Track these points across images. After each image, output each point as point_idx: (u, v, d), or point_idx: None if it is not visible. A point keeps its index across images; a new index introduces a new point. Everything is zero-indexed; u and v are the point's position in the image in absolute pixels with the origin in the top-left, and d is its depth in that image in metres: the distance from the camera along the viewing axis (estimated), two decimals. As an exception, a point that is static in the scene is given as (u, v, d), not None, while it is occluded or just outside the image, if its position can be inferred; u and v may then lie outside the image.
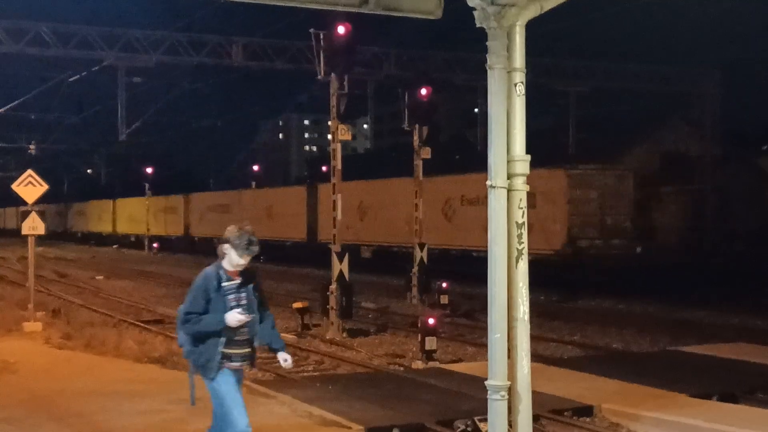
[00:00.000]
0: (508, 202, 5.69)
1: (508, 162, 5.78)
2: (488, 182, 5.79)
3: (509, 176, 5.79)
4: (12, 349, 14.55)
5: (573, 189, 26.68)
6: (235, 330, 6.48)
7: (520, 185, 5.71)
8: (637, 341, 17.24)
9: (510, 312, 5.81)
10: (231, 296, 6.50)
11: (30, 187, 18.06)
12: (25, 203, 18.38)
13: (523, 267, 5.76)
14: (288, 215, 42.26)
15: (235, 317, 6.40)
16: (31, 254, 18.40)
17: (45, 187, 18.21)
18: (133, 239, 62.12)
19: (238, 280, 6.56)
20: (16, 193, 18.52)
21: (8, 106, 43.71)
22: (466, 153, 50.69)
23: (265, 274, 34.47)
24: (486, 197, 5.69)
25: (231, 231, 6.53)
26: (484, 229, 5.88)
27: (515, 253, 5.76)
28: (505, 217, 5.78)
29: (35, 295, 18.69)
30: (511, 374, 5.64)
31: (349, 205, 29.65)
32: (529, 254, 5.46)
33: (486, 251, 5.81)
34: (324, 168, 52.46)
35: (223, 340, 6.46)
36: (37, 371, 12.66)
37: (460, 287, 25.76)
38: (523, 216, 5.69)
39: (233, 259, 6.47)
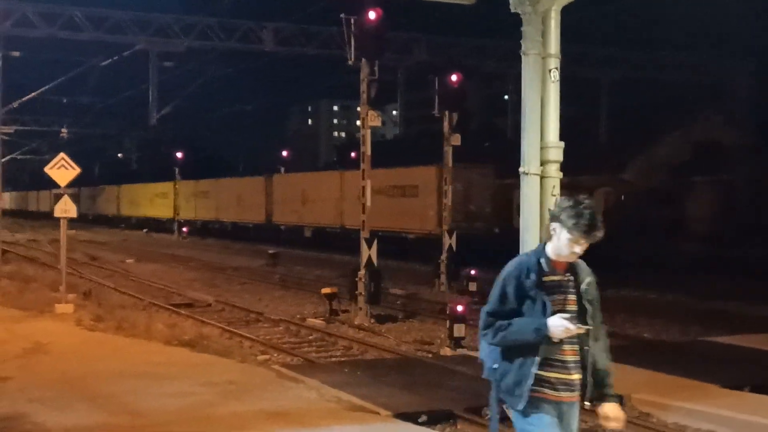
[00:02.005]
0: (541, 188, 5.64)
1: (542, 149, 5.72)
2: (521, 169, 5.75)
3: (542, 163, 5.73)
4: (44, 331, 14.72)
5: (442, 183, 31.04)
6: (557, 344, 4.49)
7: (554, 172, 5.66)
8: (667, 331, 17.12)
9: (541, 300, 5.75)
10: (554, 296, 4.54)
11: (62, 170, 18.22)
12: (57, 186, 18.56)
13: (554, 254, 5.68)
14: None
15: (560, 325, 4.40)
16: (63, 237, 18.57)
17: (77, 170, 18.37)
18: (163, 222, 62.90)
19: (565, 276, 4.59)
20: (47, 176, 18.73)
21: (41, 90, 44.10)
22: (495, 140, 50.45)
23: (297, 259, 34.84)
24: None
25: (563, 204, 4.57)
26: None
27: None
28: (538, 204, 5.72)
29: (67, 278, 18.88)
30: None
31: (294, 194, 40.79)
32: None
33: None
34: (353, 154, 52.39)
35: (538, 358, 4.48)
36: (68, 352, 12.80)
37: (490, 274, 25.67)
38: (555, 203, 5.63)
39: (562, 245, 4.51)
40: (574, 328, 4.40)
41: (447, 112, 24.60)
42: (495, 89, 69.68)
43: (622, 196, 33.07)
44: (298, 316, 18.92)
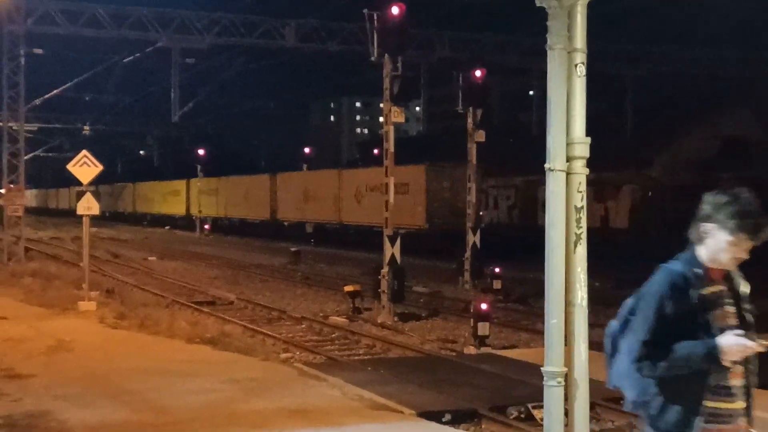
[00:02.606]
0: (567, 185, 5.61)
1: (568, 145, 5.70)
2: (547, 165, 5.73)
3: (568, 159, 5.71)
4: (68, 328, 14.85)
5: (430, 181, 35.63)
6: (725, 370, 3.76)
7: (580, 168, 5.63)
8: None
9: (567, 297, 5.74)
10: (715, 311, 3.81)
11: (85, 167, 18.34)
12: (79, 183, 18.69)
13: (581, 252, 5.69)
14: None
15: (737, 343, 3.67)
16: (86, 234, 18.70)
17: (99, 167, 18.48)
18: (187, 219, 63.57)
19: (722, 286, 3.89)
20: (69, 174, 18.86)
21: (63, 87, 44.41)
22: (519, 136, 50.30)
23: (320, 257, 34.93)
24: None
25: (718, 200, 3.87)
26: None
27: (573, 238, 5.69)
28: (564, 201, 5.70)
29: (90, 275, 19.02)
30: (568, 361, 5.58)
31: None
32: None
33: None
34: (376, 151, 52.46)
35: (708, 387, 3.76)
36: (91, 350, 12.91)
37: (513, 272, 25.65)
38: (582, 200, 5.62)
39: (721, 249, 3.82)
40: (755, 346, 3.69)
41: (471, 109, 24.55)
42: (519, 85, 69.41)
43: (649, 193, 32.89)
44: (320, 314, 18.97)
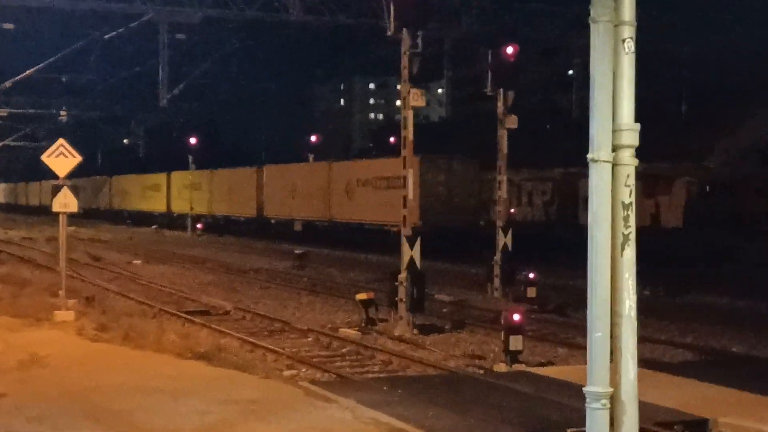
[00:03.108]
0: (613, 178, 5.61)
1: (614, 132, 5.70)
2: (590, 155, 5.72)
3: (614, 148, 5.71)
4: (42, 341, 14.92)
5: (424, 174, 36.64)
6: None
7: (628, 159, 5.63)
8: (761, 345, 16.91)
9: (613, 307, 5.74)
10: None
11: (61, 158, 18.40)
12: (55, 177, 18.77)
13: (629, 255, 5.69)
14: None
15: None
16: (63, 234, 18.79)
17: (78, 158, 18.56)
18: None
19: None
20: (44, 166, 18.95)
21: (36, 67, 44.56)
22: (557, 122, 50.20)
23: (328, 261, 34.98)
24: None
25: None
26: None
27: (620, 239, 5.69)
28: (609, 197, 5.70)
29: (67, 281, 19.11)
30: (614, 380, 5.59)
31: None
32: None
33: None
34: (392, 139, 52.53)
35: None
36: (69, 365, 12.97)
37: (550, 278, 25.63)
38: (630, 195, 5.61)
39: None
40: None
41: (501, 90, 24.46)
42: (557, 63, 69.17)
43: (707, 187, 32.73)
44: (329, 326, 18.98)
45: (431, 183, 37.81)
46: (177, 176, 63.76)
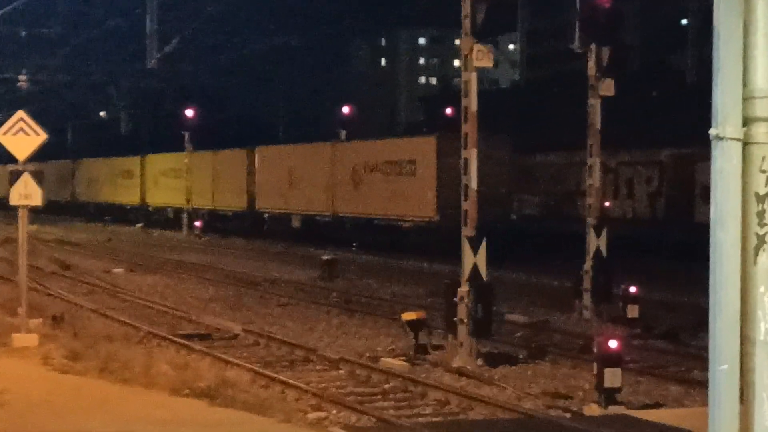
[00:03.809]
0: (744, 161, 5.55)
1: (744, 100, 5.63)
2: (712, 131, 5.67)
3: (745, 122, 5.65)
4: (-3, 372, 15.07)
5: (443, 158, 38.97)
6: None
7: (764, 135, 5.55)
8: None
9: (743, 331, 5.69)
10: None
11: (21, 136, 18.57)
12: (13, 160, 18.94)
13: (765, 262, 5.62)
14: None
15: None
16: (23, 235, 18.95)
17: (43, 136, 18.71)
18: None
19: None
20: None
21: (-10, 19, 44.76)
22: (667, 88, 49.90)
23: (363, 269, 35.01)
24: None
25: None
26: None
27: (753, 241, 5.62)
28: (738, 185, 5.64)
29: (29, 295, 19.27)
30: (745, 425, 5.54)
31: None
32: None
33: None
34: (449, 110, 52.50)
35: None
36: (32, 404, 13.08)
37: (657, 293, 25.48)
38: (767, 184, 5.54)
39: None
40: None
41: (593, 46, 24.39)
42: (667, 12, 68.74)
43: None
44: (367, 354, 19.01)
45: (451, 169, 38.23)
46: (153, 160, 66.23)
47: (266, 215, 53.50)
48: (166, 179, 63.49)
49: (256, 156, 54.72)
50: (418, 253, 38.60)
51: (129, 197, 69.65)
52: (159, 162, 65.48)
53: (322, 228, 48.83)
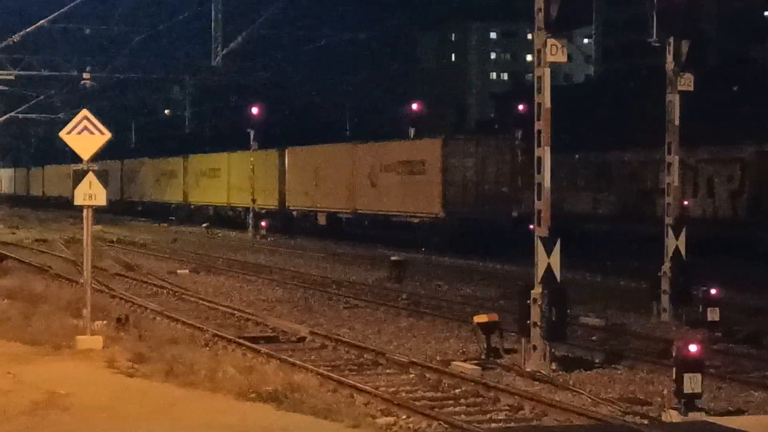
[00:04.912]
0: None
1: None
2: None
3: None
4: (62, 376, 15.20)
5: (448, 158, 43.39)
6: None
7: None
8: None
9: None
10: None
11: (85, 135, 18.70)
12: (77, 159, 19.08)
13: None
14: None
15: None
16: (87, 235, 19.05)
17: (107, 135, 18.83)
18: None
19: None
20: (62, 145, 19.24)
21: (51, 17, 45.20)
22: (749, 82, 49.38)
23: (433, 270, 34.97)
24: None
25: None
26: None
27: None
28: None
29: (93, 297, 19.40)
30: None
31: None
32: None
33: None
34: (521, 107, 52.27)
35: None
36: (96, 408, 13.19)
37: (739, 295, 25.25)
38: None
39: None
40: None
41: (671, 39, 24.19)
42: (746, 3, 68.03)
43: None
44: (438, 358, 18.97)
45: (457, 168, 43.76)
46: (194, 160, 69.72)
47: (295, 212, 57.23)
48: (207, 179, 66.76)
49: (287, 156, 58.55)
50: (425, 247, 42.08)
51: (173, 196, 73.26)
52: (201, 162, 68.61)
53: (343, 224, 53.02)
